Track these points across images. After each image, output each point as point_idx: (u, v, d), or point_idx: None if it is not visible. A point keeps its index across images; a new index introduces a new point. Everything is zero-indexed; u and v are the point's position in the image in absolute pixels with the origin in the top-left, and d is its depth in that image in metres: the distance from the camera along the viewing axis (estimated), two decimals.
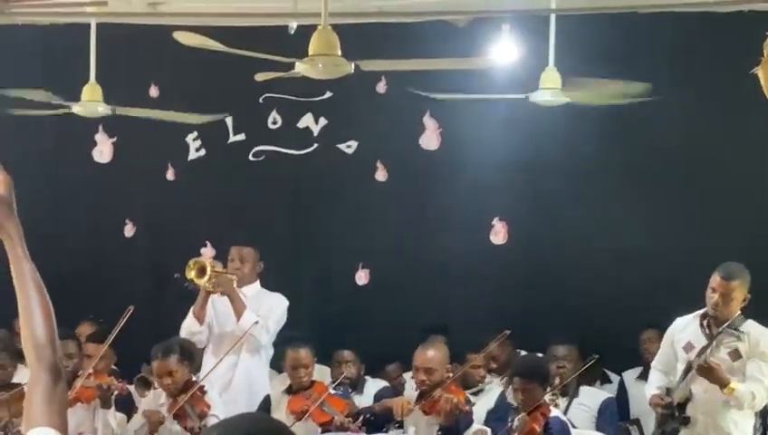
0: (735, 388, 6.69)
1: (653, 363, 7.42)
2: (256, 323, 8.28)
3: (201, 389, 7.63)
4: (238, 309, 8.34)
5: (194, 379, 7.75)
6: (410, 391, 8.28)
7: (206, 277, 8.24)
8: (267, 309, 8.46)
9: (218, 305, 8.51)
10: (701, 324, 6.97)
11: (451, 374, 7.47)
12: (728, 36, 8.60)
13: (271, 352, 8.62)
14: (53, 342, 2.78)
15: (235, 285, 8.39)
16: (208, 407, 7.46)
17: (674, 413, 6.97)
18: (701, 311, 7.00)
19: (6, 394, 7.71)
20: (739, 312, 6.92)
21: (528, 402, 7.08)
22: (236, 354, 8.37)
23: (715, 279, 6.87)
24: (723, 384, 6.70)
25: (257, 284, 8.73)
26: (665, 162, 9.21)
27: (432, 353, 7.53)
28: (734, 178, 9.02)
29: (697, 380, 6.85)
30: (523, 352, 8.68)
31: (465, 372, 8.02)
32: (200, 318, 8.45)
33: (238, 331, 8.30)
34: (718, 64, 8.79)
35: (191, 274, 8.26)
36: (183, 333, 8.42)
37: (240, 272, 8.56)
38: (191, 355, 7.83)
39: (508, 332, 7.95)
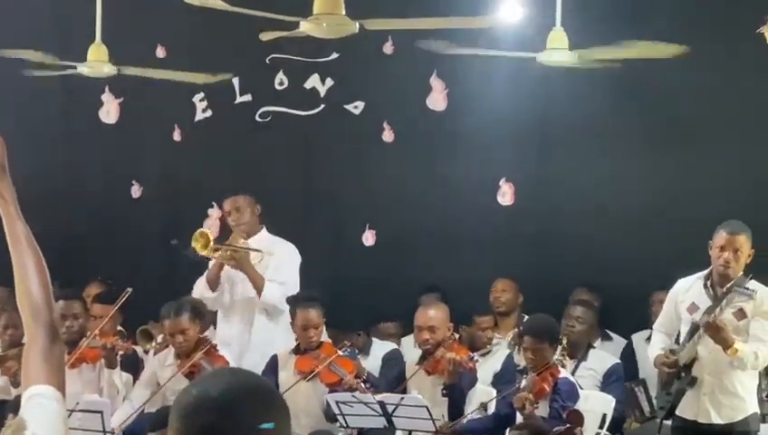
0: (740, 349, 6.68)
1: (655, 325, 7.38)
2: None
3: (213, 346, 7.66)
4: (257, 285, 8.27)
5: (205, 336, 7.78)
6: (408, 352, 8.27)
7: (207, 251, 8.17)
8: (279, 266, 8.41)
9: (232, 270, 8.46)
10: (705, 285, 6.95)
11: (454, 334, 7.48)
12: None
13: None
14: (49, 301, 2.78)
15: (251, 260, 8.32)
16: (227, 363, 7.48)
17: (680, 373, 6.97)
18: (704, 272, 6.97)
19: (17, 349, 7.74)
20: (741, 272, 6.90)
21: (537, 362, 7.09)
22: (250, 320, 8.38)
23: (722, 236, 6.81)
24: (727, 345, 6.69)
25: (264, 231, 8.59)
26: (674, 124, 9.15)
27: (433, 312, 7.54)
28: (744, 140, 8.97)
29: (703, 341, 6.84)
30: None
31: (471, 334, 8.03)
32: (213, 285, 8.41)
33: (258, 302, 8.31)
34: (730, 24, 8.72)
35: (197, 244, 8.21)
36: (195, 296, 8.41)
37: (240, 221, 8.46)
38: (202, 314, 7.86)
39: None
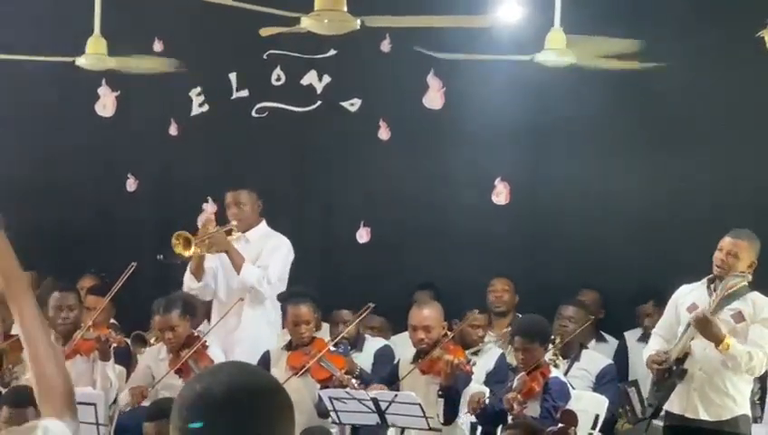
0: (731, 344, 6.68)
1: (654, 329, 7.38)
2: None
3: (203, 344, 7.65)
4: (237, 263, 8.25)
5: (196, 334, 7.77)
6: (402, 351, 8.23)
7: (191, 250, 8.12)
8: (267, 255, 8.41)
9: (225, 258, 8.43)
10: (708, 287, 6.97)
11: (448, 332, 7.47)
12: None
13: (278, 310, 8.50)
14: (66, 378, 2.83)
15: (231, 237, 8.30)
16: (212, 362, 7.47)
17: (671, 368, 6.95)
18: (708, 277, 7.00)
19: (4, 344, 7.73)
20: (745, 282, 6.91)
21: (528, 362, 7.08)
22: (238, 314, 8.31)
23: (723, 239, 6.90)
24: (717, 340, 6.69)
25: (263, 225, 8.59)
26: (672, 125, 9.16)
27: (428, 312, 7.53)
28: (745, 141, 8.98)
29: (698, 336, 6.84)
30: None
31: (463, 332, 8.02)
32: (197, 275, 8.37)
33: (240, 284, 8.29)
34: (728, 26, 8.73)
35: (179, 248, 8.13)
36: (184, 289, 8.39)
37: (241, 215, 8.45)
38: (193, 310, 7.84)
39: None
